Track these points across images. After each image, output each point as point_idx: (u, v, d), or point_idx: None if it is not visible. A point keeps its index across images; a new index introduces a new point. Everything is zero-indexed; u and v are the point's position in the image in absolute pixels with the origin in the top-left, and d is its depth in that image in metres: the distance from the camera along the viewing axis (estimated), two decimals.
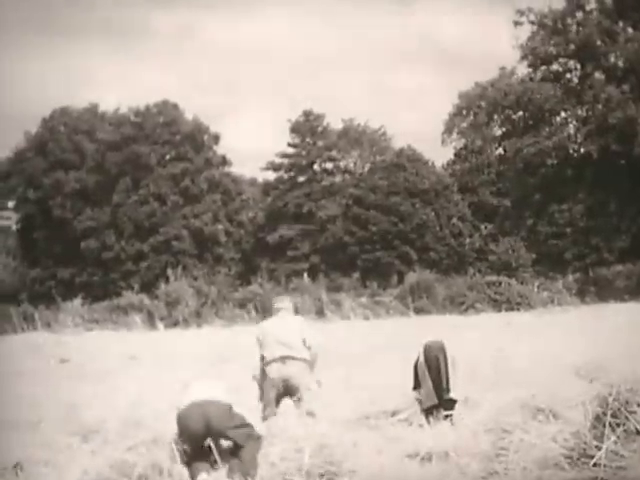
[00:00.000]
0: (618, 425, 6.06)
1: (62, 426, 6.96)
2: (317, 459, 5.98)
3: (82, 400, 8.08)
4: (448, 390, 7.36)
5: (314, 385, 7.22)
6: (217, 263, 41.02)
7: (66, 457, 6.12)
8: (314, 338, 7.34)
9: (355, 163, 45.05)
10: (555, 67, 34.68)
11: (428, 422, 7.12)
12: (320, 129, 43.14)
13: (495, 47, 60.09)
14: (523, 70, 35.58)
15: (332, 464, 5.98)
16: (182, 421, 5.84)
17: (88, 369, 12.47)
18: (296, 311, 8.20)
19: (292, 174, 42.84)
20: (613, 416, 6.08)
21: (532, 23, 34.26)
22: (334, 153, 43.80)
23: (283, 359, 7.12)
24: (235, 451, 5.87)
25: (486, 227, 41.19)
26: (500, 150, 38.94)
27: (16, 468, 5.90)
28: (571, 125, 35.03)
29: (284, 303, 7.78)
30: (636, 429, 6.07)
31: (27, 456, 6.06)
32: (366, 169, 43.95)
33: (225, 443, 5.95)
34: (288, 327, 7.40)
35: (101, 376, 11.22)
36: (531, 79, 34.80)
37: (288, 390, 7.11)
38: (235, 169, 44.82)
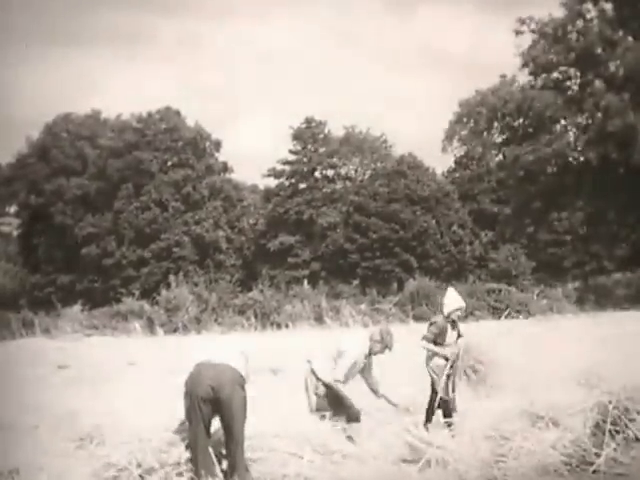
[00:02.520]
0: (618, 432, 6.05)
1: (59, 432, 6.93)
2: (315, 464, 5.96)
3: (80, 406, 8.04)
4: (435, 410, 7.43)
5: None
6: (218, 269, 41.05)
7: (63, 463, 6.09)
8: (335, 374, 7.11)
9: (356, 170, 45.16)
10: (555, 75, 34.74)
11: (426, 428, 7.11)
12: (321, 136, 43.25)
13: (496, 55, 60.29)
14: (524, 78, 35.67)
15: (330, 469, 5.97)
16: (192, 381, 5.60)
17: (86, 375, 12.44)
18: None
19: (293, 181, 42.92)
20: (613, 424, 6.07)
21: (533, 32, 34.35)
22: (335, 160, 43.90)
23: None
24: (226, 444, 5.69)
25: (486, 234, 41.25)
26: (500, 157, 39.03)
27: (12, 473, 5.87)
28: (571, 133, 35.08)
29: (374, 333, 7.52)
30: (636, 436, 6.06)
31: (24, 461, 6.04)
32: (367, 176, 44.04)
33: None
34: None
35: (99, 382, 11.19)
36: (532, 87, 34.86)
37: None
38: (236, 176, 45.04)
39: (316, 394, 7.01)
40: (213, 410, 5.64)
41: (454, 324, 7.87)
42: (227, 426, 5.66)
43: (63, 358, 15.54)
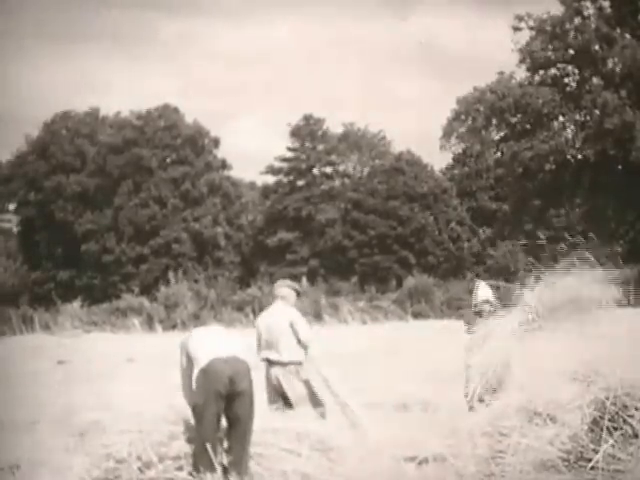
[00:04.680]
0: (615, 429, 6.07)
1: (59, 427, 6.95)
2: (313, 461, 5.98)
3: (79, 402, 8.06)
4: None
5: (317, 383, 6.75)
6: (217, 266, 41.10)
7: (62, 458, 6.11)
8: (306, 333, 6.76)
9: (354, 167, 45.19)
10: (553, 72, 34.82)
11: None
12: (320, 133, 43.29)
13: (494, 52, 60.31)
14: (522, 74, 35.76)
15: (328, 466, 5.99)
16: (208, 377, 5.54)
17: (86, 371, 12.48)
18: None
19: (291, 178, 42.97)
20: (610, 420, 6.09)
21: (531, 29, 34.40)
22: (333, 157, 43.94)
23: (269, 362, 6.82)
24: (230, 437, 5.68)
25: (484, 231, 41.32)
26: (498, 154, 39.11)
27: (12, 468, 5.90)
28: (569, 130, 35.17)
29: (282, 290, 7.02)
30: (633, 432, 6.08)
31: (24, 457, 6.06)
32: (365, 173, 44.07)
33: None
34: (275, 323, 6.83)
35: (98, 378, 11.22)
36: (529, 83, 34.95)
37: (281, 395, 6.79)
38: (235, 173, 45.07)
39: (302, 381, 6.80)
40: (225, 405, 5.62)
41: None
42: (237, 420, 5.62)
43: (63, 354, 15.60)
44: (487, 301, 7.91)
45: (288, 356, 6.79)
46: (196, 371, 5.66)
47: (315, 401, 6.82)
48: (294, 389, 6.80)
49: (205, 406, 5.55)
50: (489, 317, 7.88)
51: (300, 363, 6.85)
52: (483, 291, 8.04)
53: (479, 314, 7.87)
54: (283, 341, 6.80)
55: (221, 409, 5.59)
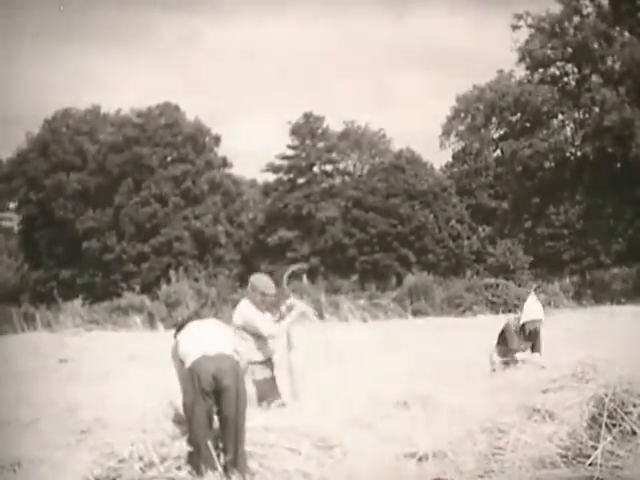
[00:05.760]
0: (614, 425, 6.10)
1: (60, 425, 6.98)
2: (314, 459, 6.01)
3: (81, 400, 8.10)
4: None
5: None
6: (217, 264, 41.17)
7: (64, 456, 6.14)
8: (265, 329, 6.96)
9: (354, 165, 45.23)
10: (552, 70, 34.88)
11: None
12: (320, 131, 43.32)
13: (493, 50, 60.26)
14: (521, 72, 35.82)
15: (329, 464, 6.02)
16: (193, 375, 5.60)
17: (87, 369, 12.51)
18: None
19: (292, 176, 43.01)
20: (609, 417, 6.12)
21: (530, 27, 34.45)
22: (334, 155, 43.98)
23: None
24: (223, 435, 5.68)
25: (484, 229, 41.37)
26: (497, 152, 39.20)
27: (14, 466, 5.94)
28: (568, 128, 35.25)
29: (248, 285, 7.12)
30: (632, 429, 6.11)
31: (25, 454, 6.09)
32: (365, 171, 44.11)
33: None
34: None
35: (100, 376, 11.26)
36: (529, 81, 35.00)
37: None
38: (235, 171, 45.09)
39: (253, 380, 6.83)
40: (215, 402, 5.66)
41: (531, 335, 7.74)
42: (227, 417, 5.65)
43: (64, 352, 15.63)
44: (540, 321, 7.72)
45: (244, 358, 6.82)
46: (185, 370, 5.73)
47: (260, 399, 6.85)
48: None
49: (193, 404, 5.61)
50: (529, 358, 7.70)
51: (258, 362, 6.95)
52: (535, 308, 7.79)
53: (523, 331, 7.73)
54: (240, 344, 6.86)
55: (210, 407, 5.62)
